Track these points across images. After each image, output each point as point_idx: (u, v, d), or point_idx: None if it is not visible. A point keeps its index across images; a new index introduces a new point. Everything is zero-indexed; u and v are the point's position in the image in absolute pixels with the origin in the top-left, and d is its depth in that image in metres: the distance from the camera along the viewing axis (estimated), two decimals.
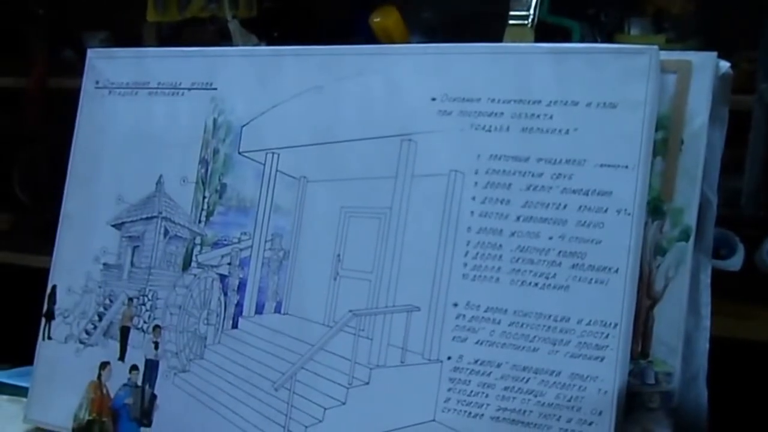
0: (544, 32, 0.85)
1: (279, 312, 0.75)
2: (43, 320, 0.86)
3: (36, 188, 1.15)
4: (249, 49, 0.93)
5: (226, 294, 0.78)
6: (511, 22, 0.82)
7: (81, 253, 0.86)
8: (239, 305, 0.77)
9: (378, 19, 0.94)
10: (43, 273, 1.05)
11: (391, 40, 0.94)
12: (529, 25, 0.83)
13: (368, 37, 0.99)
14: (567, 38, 1.08)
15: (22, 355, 1.04)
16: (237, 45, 0.94)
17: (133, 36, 0.99)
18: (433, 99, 0.72)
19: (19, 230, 1.11)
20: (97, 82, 0.89)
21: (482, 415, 0.65)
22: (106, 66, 0.89)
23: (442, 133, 0.71)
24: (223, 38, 0.94)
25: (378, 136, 0.74)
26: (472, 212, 0.69)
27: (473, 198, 0.69)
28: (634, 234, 0.64)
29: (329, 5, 0.99)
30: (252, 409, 0.73)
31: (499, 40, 0.89)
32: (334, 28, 0.96)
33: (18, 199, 1.15)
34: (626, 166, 0.65)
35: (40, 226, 1.09)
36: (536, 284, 0.66)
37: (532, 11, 0.83)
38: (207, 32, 0.94)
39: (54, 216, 1.11)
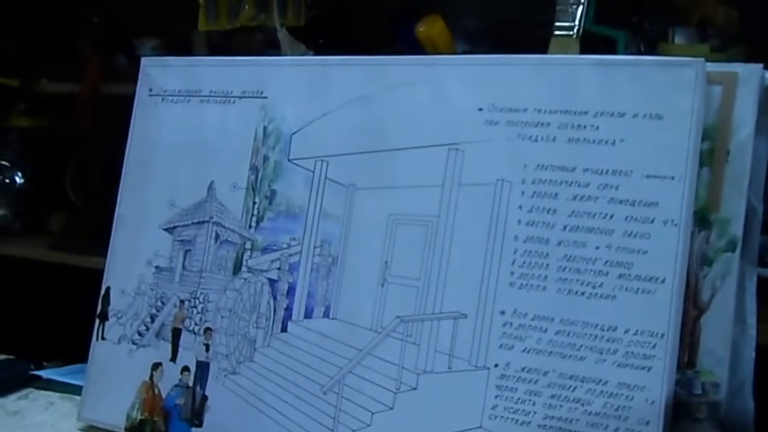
0: (588, 42, 0.85)
1: (327, 317, 0.76)
2: (97, 321, 0.89)
3: (88, 190, 1.18)
4: (298, 59, 0.95)
5: (275, 298, 0.79)
6: (556, 32, 0.83)
7: (134, 256, 0.88)
8: (288, 309, 0.79)
9: (423, 28, 0.96)
10: (95, 273, 1.08)
11: (436, 49, 0.95)
12: (575, 36, 0.84)
13: (412, 44, 1.00)
14: (611, 47, 1.08)
15: (74, 353, 1.07)
16: (285, 53, 0.96)
17: (183, 43, 1.01)
18: (480, 109, 0.73)
19: (71, 231, 1.14)
20: (151, 90, 0.91)
21: (529, 422, 0.66)
22: (160, 74, 0.91)
23: (489, 142, 0.72)
24: (271, 46, 0.96)
25: (425, 145, 0.75)
26: (519, 221, 0.70)
27: (520, 207, 0.70)
28: (681, 244, 0.65)
29: (374, 13, 1.01)
30: (300, 412, 0.75)
31: (543, 47, 0.90)
32: (379, 35, 0.97)
33: (70, 200, 1.18)
34: (673, 177, 0.66)
35: (92, 227, 1.12)
36: (583, 293, 0.67)
37: (577, 22, 0.84)
38: (255, 40, 0.96)
39: (105, 218, 1.13)
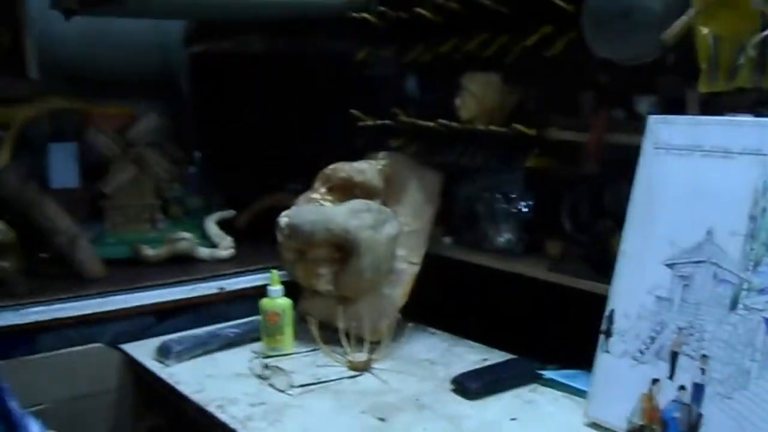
0: None
1: None
2: (602, 337, 1.06)
3: (579, 223, 1.37)
4: None
5: None
6: None
7: (636, 285, 1.04)
8: None
9: None
10: (587, 295, 1.26)
11: None
12: None
13: None
14: None
15: (569, 359, 1.26)
16: None
17: (676, 101, 1.14)
18: None
19: (567, 257, 1.34)
20: (656, 144, 1.06)
21: None
22: (665, 130, 1.06)
23: None
24: (759, 105, 1.04)
25: None
26: None
27: None
28: None
29: None
30: None
31: None
32: None
33: (564, 230, 1.38)
34: None
35: (584, 255, 1.31)
36: None
37: None
38: (744, 100, 1.05)
39: (595, 248, 1.31)
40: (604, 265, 1.20)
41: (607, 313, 1.07)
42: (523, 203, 1.47)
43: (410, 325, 1.44)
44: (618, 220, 1.16)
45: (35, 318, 1.35)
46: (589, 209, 1.40)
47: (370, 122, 1.65)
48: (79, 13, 1.59)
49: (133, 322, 1.48)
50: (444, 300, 1.56)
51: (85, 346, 1.41)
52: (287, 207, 1.54)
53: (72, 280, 1.50)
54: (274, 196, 1.90)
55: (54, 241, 1.51)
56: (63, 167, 1.79)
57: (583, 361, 1.13)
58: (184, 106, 2.10)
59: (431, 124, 1.49)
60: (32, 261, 1.53)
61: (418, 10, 1.49)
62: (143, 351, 1.40)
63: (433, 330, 1.50)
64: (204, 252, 1.69)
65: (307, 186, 1.58)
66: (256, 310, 1.44)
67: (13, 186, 1.47)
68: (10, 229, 1.43)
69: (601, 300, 1.09)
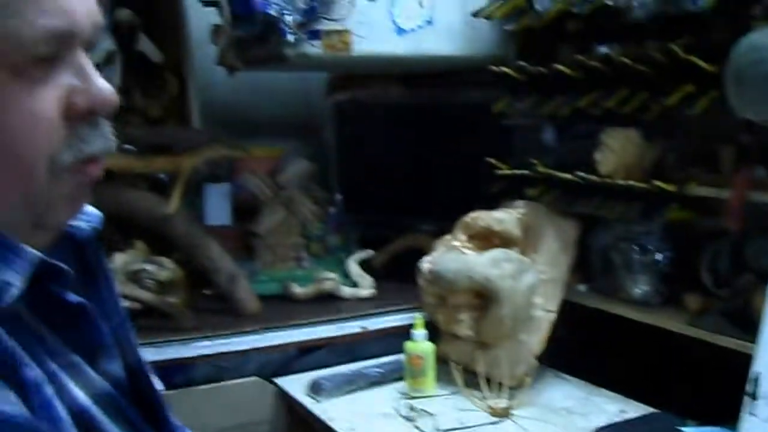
0: None
1: None
2: (747, 399, 1.09)
3: (719, 277, 1.39)
4: None
5: None
6: None
7: None
8: None
9: None
10: (727, 351, 1.28)
11: None
12: None
13: None
14: None
15: (709, 415, 1.28)
16: None
17: None
18: None
19: (706, 311, 1.36)
20: None
21: None
22: None
23: None
24: None
25: None
26: None
27: None
28: None
29: None
30: None
31: None
32: None
33: (703, 283, 1.40)
34: None
35: (723, 310, 1.33)
36: None
37: None
38: None
39: (734, 303, 1.33)
40: (745, 321, 1.22)
41: (752, 375, 1.09)
42: (660, 255, 1.50)
43: (547, 371, 1.49)
44: (760, 276, 1.18)
45: (201, 352, 1.48)
46: (730, 264, 1.41)
47: (507, 171, 1.72)
48: (241, 70, 1.73)
49: (278, 354, 1.59)
50: (580, 347, 1.60)
51: (241, 380, 1.52)
52: (422, 248, 1.62)
53: (230, 316, 1.63)
54: (409, 237, 1.99)
55: (215, 280, 1.65)
56: (217, 206, 1.94)
57: (724, 418, 1.15)
58: (326, 150, 2.23)
59: (569, 176, 1.54)
60: (197, 297, 1.67)
61: (557, 66, 1.55)
62: (295, 385, 1.50)
63: (569, 377, 1.54)
64: (347, 291, 1.79)
65: (440, 228, 1.66)
66: (393, 348, 1.52)
67: (182, 229, 1.61)
68: (179, 268, 1.58)
69: (743, 357, 1.11)
